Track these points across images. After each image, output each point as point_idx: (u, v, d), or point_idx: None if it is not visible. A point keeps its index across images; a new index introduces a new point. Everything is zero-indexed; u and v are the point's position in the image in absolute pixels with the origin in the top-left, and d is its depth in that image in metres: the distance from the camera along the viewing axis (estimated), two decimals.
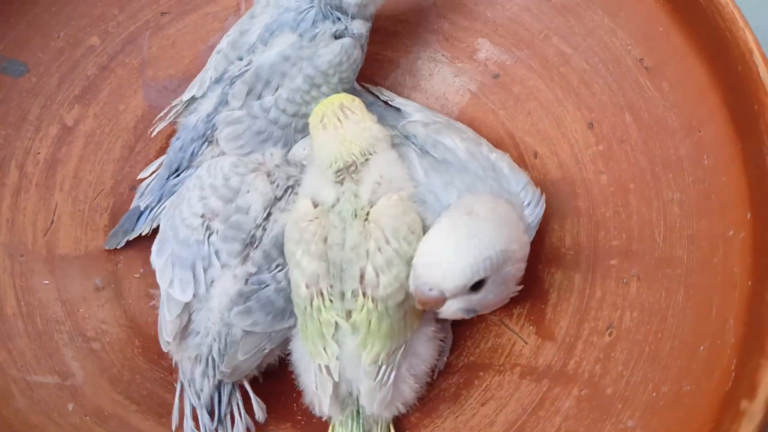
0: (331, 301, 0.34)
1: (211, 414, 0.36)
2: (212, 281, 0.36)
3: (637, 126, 0.41)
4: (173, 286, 0.37)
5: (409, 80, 0.47)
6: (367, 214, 0.35)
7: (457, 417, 0.37)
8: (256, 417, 0.37)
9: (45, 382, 0.39)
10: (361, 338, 0.34)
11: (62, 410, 0.39)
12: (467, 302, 0.33)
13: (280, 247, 0.36)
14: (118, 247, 0.43)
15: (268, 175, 0.38)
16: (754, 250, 0.34)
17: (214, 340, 0.36)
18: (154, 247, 0.39)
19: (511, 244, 0.33)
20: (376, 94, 0.45)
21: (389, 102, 0.44)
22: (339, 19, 0.39)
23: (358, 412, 0.36)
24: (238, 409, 0.37)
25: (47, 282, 0.42)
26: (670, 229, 0.38)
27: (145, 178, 0.44)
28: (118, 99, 0.46)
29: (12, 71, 0.45)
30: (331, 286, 0.34)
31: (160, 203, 0.43)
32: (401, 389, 0.36)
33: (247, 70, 0.40)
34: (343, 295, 0.34)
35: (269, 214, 0.37)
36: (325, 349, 0.34)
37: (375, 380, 0.34)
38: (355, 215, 0.35)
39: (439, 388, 0.39)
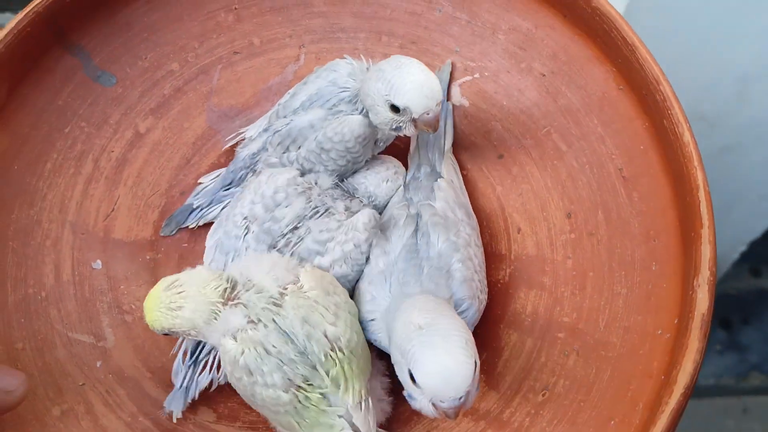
0: (309, 384, 0.40)
1: (193, 354, 0.46)
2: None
3: (606, 224, 0.48)
4: (210, 266, 0.47)
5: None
6: (280, 294, 0.40)
7: None
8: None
9: (82, 340, 0.48)
10: (344, 386, 0.40)
11: (92, 365, 0.48)
12: None
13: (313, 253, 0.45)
14: (171, 234, 0.52)
15: (308, 198, 0.47)
16: (672, 350, 0.41)
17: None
18: (212, 228, 0.50)
19: None
20: (436, 162, 0.51)
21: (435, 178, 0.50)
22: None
23: None
24: (214, 361, 0.46)
25: (99, 259, 0.51)
26: (612, 318, 0.45)
27: (203, 184, 0.53)
28: (184, 117, 0.55)
29: (103, 81, 0.54)
30: (301, 375, 0.39)
31: (209, 206, 0.52)
32: (378, 408, 0.43)
33: (285, 128, 0.48)
34: (314, 368, 0.40)
35: (296, 228, 0.46)
36: (331, 420, 0.39)
37: (361, 411, 0.40)
38: (273, 305, 0.40)
39: (396, 411, 0.46)
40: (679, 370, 0.37)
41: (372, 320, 0.44)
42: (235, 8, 0.56)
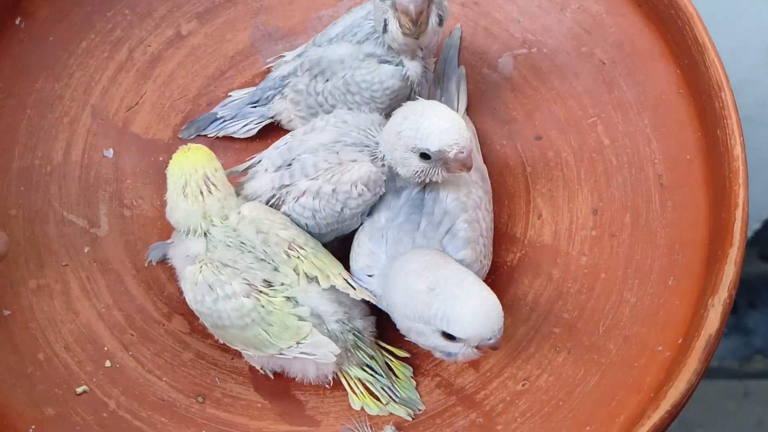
0: (272, 287, 0.40)
1: None
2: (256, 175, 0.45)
3: (632, 228, 0.45)
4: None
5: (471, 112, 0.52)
6: (239, 214, 0.42)
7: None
8: None
9: (75, 222, 0.47)
10: (320, 276, 0.40)
11: (79, 249, 0.47)
12: None
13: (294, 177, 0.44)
14: (189, 138, 0.51)
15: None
16: (669, 368, 0.38)
17: None
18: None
19: None
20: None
21: None
22: (396, 53, 0.44)
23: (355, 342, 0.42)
24: None
25: (112, 148, 0.50)
26: (614, 324, 0.42)
27: (232, 96, 0.52)
28: (228, 28, 0.54)
29: None
30: (261, 279, 0.40)
31: (232, 120, 0.51)
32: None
33: (316, 55, 0.46)
34: (276, 269, 0.40)
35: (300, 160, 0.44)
36: (297, 322, 0.40)
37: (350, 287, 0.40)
38: (233, 222, 0.41)
39: None
40: (671, 386, 0.35)
41: (370, 276, 0.43)
42: None
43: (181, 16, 0.53)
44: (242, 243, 0.41)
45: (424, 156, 0.40)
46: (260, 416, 0.43)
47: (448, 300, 0.37)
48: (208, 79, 0.53)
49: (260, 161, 0.46)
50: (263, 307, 0.39)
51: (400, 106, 0.47)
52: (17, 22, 0.49)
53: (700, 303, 0.39)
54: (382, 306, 0.42)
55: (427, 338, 0.38)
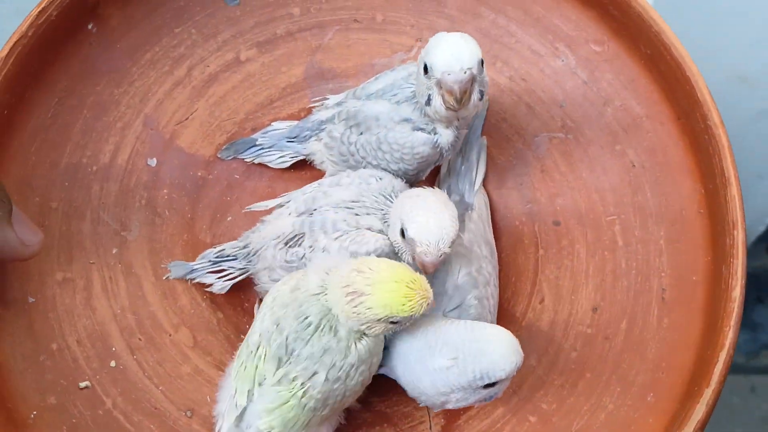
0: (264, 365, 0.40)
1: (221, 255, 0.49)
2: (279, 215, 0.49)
3: (625, 336, 0.46)
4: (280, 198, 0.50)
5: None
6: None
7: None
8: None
9: (109, 223, 0.51)
10: (270, 408, 0.40)
11: (108, 247, 0.50)
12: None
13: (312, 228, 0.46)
14: (227, 159, 0.54)
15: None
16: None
17: (253, 248, 0.49)
18: None
19: None
20: (466, 193, 0.51)
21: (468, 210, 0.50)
22: (431, 121, 0.46)
23: None
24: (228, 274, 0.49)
25: (156, 158, 0.53)
26: (586, 427, 0.44)
27: (274, 126, 0.55)
28: (285, 61, 0.56)
29: None
30: (271, 352, 0.40)
31: (269, 149, 0.54)
32: None
33: (354, 108, 0.49)
34: (279, 361, 0.40)
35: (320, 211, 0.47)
36: (249, 392, 0.40)
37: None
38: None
39: (354, 422, 0.47)
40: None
41: None
42: None
43: (243, 43, 0.56)
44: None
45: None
46: None
47: (478, 357, 0.39)
48: (257, 106, 0.56)
49: (288, 202, 0.49)
50: (257, 350, 0.41)
51: (428, 168, 0.49)
52: (90, 26, 0.52)
53: (670, 429, 0.40)
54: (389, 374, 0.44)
55: (469, 398, 0.40)
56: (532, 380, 0.47)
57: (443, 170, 0.53)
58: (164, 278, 0.50)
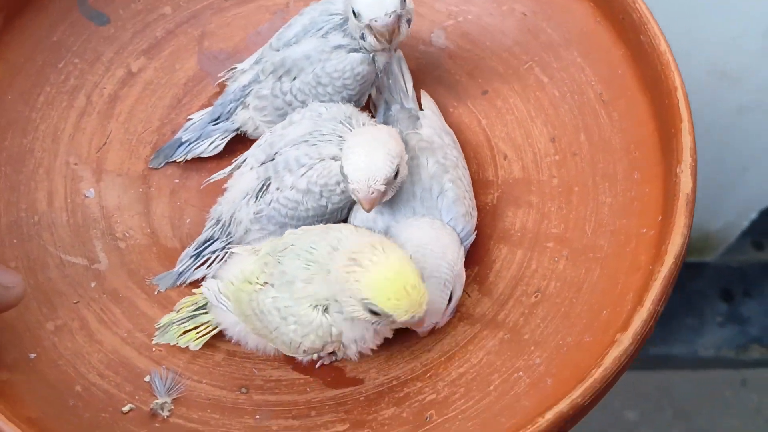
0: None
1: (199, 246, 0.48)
2: (241, 174, 0.48)
3: (589, 144, 0.50)
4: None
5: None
6: None
7: (402, 344, 0.46)
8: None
9: (75, 262, 0.48)
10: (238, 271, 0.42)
11: (86, 285, 0.47)
12: None
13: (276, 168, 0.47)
14: (159, 167, 0.52)
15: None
16: (657, 243, 0.43)
17: (228, 215, 0.48)
18: None
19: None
20: (403, 100, 0.53)
21: (412, 111, 0.52)
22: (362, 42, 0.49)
23: None
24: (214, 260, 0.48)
25: (92, 188, 0.51)
26: (598, 224, 0.47)
27: (192, 120, 0.54)
28: (176, 59, 0.56)
29: (96, 20, 0.55)
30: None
31: (198, 141, 0.52)
32: None
33: (278, 58, 0.50)
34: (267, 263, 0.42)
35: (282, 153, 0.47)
36: None
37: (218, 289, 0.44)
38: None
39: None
40: (668, 244, 0.39)
41: None
42: None
43: (128, 56, 0.55)
44: None
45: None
46: (306, 390, 0.44)
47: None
48: (167, 109, 0.55)
49: (245, 160, 0.49)
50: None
51: (367, 90, 0.51)
52: None
53: (669, 179, 0.44)
54: None
55: None
56: (533, 217, 0.49)
57: (374, 94, 0.54)
58: (155, 293, 0.48)
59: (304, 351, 0.41)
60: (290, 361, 0.46)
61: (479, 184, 0.52)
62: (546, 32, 0.54)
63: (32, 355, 0.43)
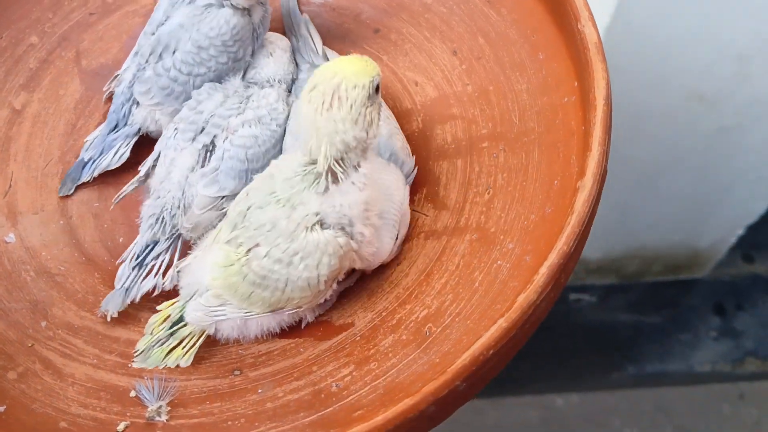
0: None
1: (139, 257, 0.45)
2: (172, 160, 0.45)
3: (488, 44, 0.52)
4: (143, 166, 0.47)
5: None
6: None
7: (378, 278, 0.45)
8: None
9: (18, 308, 0.45)
10: (215, 265, 0.40)
11: (36, 327, 0.44)
12: None
13: (217, 126, 0.45)
14: (69, 194, 0.49)
15: (225, 94, 0.47)
16: (581, 105, 0.45)
17: (174, 202, 0.44)
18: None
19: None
20: (314, 58, 0.53)
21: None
22: None
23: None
24: (160, 267, 0.45)
25: (11, 233, 0.48)
26: (523, 110, 0.48)
27: (88, 140, 0.51)
28: (58, 85, 0.54)
29: None
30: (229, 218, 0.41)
31: (102, 155, 0.50)
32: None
33: (153, 40, 0.49)
34: (234, 226, 0.40)
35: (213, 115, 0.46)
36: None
37: (206, 306, 0.40)
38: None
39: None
40: (594, 92, 0.41)
41: None
42: None
43: (8, 94, 0.53)
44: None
45: None
46: (299, 351, 0.43)
47: None
48: (64, 137, 0.53)
49: (158, 156, 0.47)
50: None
51: (248, 47, 0.50)
52: None
53: (572, 55, 0.46)
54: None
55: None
56: (460, 125, 0.50)
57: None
58: (108, 320, 0.45)
59: (325, 281, 0.40)
60: (274, 333, 0.44)
61: (401, 116, 0.52)
62: None
63: (2, 408, 0.40)
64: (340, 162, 0.39)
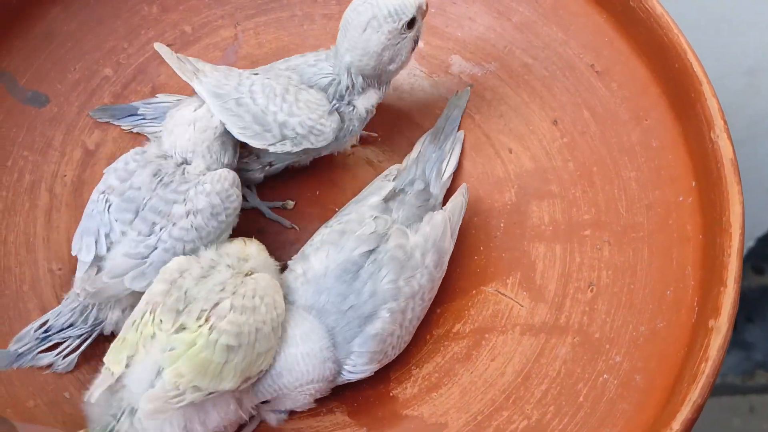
0: (161, 320, 0.38)
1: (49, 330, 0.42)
2: (112, 243, 0.42)
3: (594, 120, 0.49)
4: (81, 252, 0.42)
5: (393, 93, 0.53)
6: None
7: (471, 373, 0.44)
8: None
9: None
10: (175, 354, 0.37)
11: None
12: None
13: (157, 212, 0.42)
14: (100, 120, 0.50)
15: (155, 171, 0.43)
16: (701, 210, 0.42)
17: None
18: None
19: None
20: (433, 181, 0.48)
21: (430, 202, 0.48)
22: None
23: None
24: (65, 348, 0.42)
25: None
26: (631, 201, 0.46)
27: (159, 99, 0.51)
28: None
29: (35, 102, 0.49)
30: (167, 305, 0.38)
31: (153, 120, 0.49)
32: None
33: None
34: (177, 313, 0.38)
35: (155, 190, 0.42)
36: (127, 358, 0.37)
37: (168, 394, 0.36)
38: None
39: (452, 352, 0.45)
40: (728, 217, 0.38)
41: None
42: None
43: (80, 133, 0.50)
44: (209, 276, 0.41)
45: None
46: None
47: None
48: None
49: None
50: (141, 318, 0.39)
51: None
52: None
53: (691, 149, 0.43)
54: None
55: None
56: (559, 206, 0.48)
57: (415, 151, 0.49)
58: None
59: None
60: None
61: (490, 183, 0.50)
62: (517, 11, 0.52)
63: None
64: None
